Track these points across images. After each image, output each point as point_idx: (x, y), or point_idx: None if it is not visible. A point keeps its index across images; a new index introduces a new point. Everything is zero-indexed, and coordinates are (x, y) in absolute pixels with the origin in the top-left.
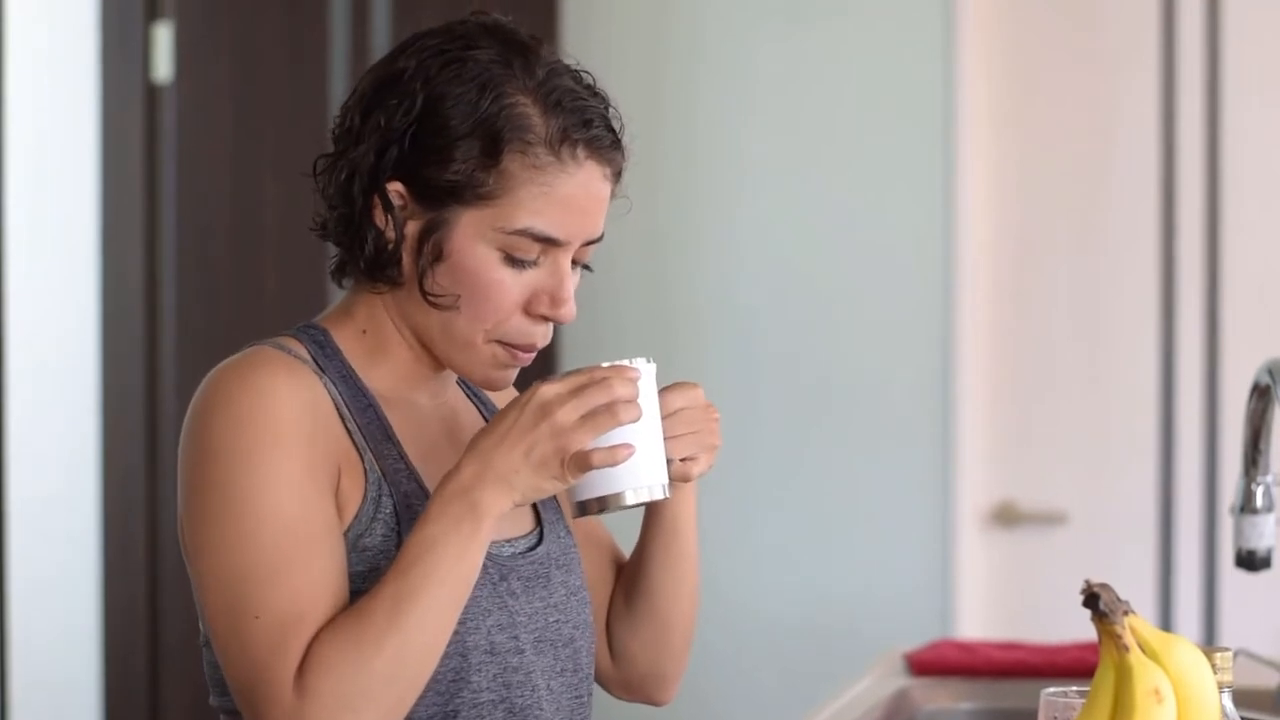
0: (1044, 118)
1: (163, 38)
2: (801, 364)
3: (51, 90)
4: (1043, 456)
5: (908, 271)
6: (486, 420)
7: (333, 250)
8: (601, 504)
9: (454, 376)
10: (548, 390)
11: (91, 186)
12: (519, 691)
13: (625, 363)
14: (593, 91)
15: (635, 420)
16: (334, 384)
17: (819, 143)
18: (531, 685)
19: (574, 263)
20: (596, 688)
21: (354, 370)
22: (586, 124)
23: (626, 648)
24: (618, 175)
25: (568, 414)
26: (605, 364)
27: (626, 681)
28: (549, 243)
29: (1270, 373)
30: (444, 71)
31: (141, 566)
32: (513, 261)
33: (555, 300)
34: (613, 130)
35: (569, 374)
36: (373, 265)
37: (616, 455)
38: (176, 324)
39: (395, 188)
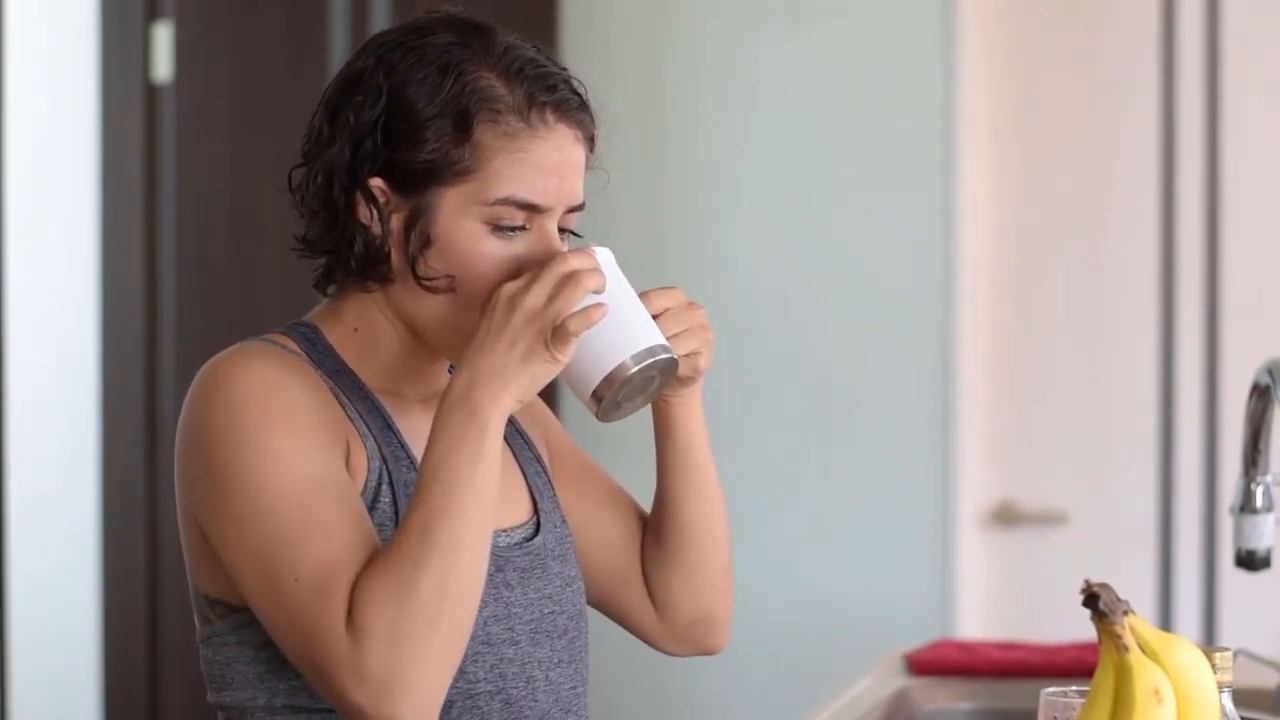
0: (1044, 118)
1: (163, 38)
2: (801, 364)
3: (51, 90)
4: (1043, 456)
5: (908, 271)
6: None
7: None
8: (610, 383)
9: (444, 370)
10: (509, 286)
11: (91, 186)
12: (515, 683)
13: None
14: (552, 61)
15: (600, 286)
16: (328, 378)
17: (819, 143)
18: (527, 676)
19: (561, 233)
20: (653, 653)
21: (347, 365)
22: (551, 88)
23: (668, 593)
24: (590, 141)
25: (535, 297)
26: None
27: (676, 632)
28: (532, 209)
29: (1270, 373)
30: (404, 60)
31: (141, 566)
32: (499, 230)
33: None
34: (578, 94)
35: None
36: (363, 263)
37: (591, 315)
38: (176, 324)
39: (375, 183)
